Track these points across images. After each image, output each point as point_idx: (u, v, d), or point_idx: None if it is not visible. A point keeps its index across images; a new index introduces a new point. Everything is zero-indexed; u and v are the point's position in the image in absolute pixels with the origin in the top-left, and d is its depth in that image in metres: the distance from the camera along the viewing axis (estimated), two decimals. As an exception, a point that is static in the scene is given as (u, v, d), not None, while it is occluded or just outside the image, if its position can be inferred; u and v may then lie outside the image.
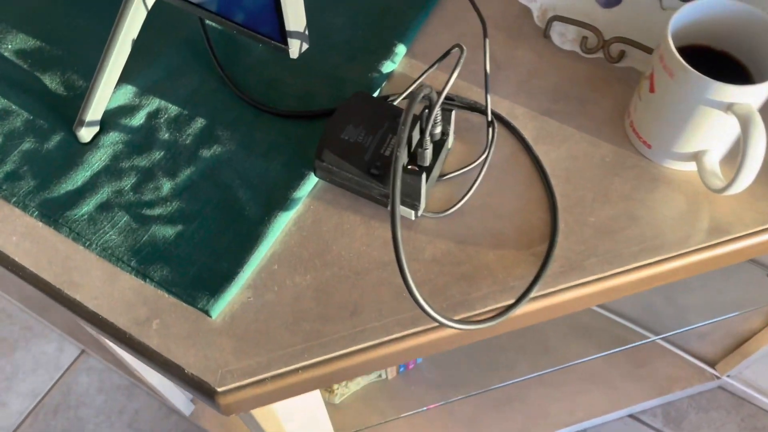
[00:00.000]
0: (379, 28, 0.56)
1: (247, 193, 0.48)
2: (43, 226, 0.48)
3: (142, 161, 0.50)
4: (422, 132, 0.45)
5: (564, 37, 0.55)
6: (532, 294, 0.45)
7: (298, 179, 0.49)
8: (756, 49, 0.46)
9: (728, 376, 1.18)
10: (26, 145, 0.51)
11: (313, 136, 0.51)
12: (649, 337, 1.11)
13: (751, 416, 1.22)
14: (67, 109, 0.53)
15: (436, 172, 0.48)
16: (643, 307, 1.16)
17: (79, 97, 0.53)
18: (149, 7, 0.50)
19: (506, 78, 0.54)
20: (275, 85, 0.54)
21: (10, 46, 0.56)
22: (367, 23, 0.57)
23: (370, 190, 0.47)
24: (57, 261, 0.47)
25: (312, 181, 0.49)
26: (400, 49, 0.55)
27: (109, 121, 0.52)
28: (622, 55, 0.54)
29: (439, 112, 0.46)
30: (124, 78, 0.53)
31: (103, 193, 0.49)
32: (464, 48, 0.45)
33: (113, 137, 0.51)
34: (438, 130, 0.47)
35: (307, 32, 0.44)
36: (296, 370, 0.43)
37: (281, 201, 0.48)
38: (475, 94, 0.54)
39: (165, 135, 0.51)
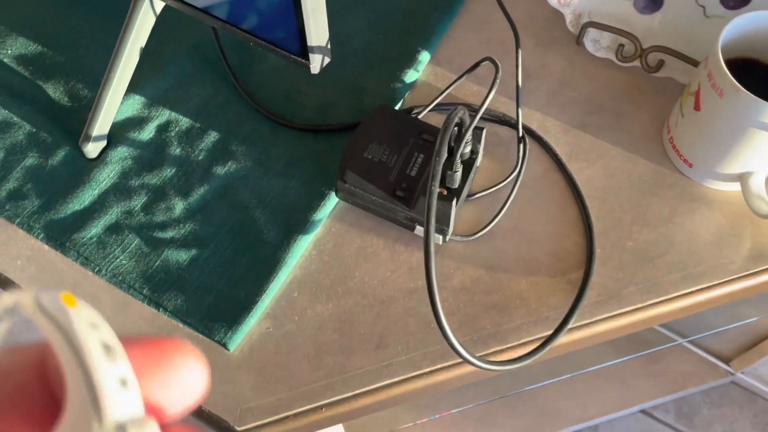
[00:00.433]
0: (401, 33, 0.53)
1: (265, 215, 0.46)
2: (49, 249, 0.45)
3: (153, 179, 0.47)
4: (452, 153, 0.42)
5: (598, 44, 0.52)
6: (569, 326, 0.42)
7: (318, 199, 0.46)
8: (810, 64, 0.43)
9: (743, 372, 1.17)
10: (30, 161, 0.48)
11: (333, 152, 0.48)
12: (666, 339, 1.09)
13: (765, 412, 1.21)
14: (72, 121, 0.50)
15: (464, 192, 0.45)
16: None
17: (85, 108, 0.50)
18: (158, 12, 0.47)
19: (536, 88, 0.51)
20: (291, 95, 0.51)
21: (9, 51, 0.53)
22: (389, 28, 0.54)
23: (395, 214, 0.44)
24: (64, 288, 0.44)
25: (333, 201, 0.46)
26: (424, 56, 0.52)
27: (117, 134, 0.49)
28: (660, 64, 0.50)
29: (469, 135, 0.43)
30: (132, 87, 0.50)
31: (112, 214, 0.46)
32: (499, 65, 0.42)
33: (121, 152, 0.48)
34: (468, 149, 0.44)
35: (329, 46, 0.41)
36: (319, 408, 0.41)
37: (301, 223, 0.45)
38: (504, 106, 0.51)
39: (176, 150, 0.48)
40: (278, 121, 0.49)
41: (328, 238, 0.46)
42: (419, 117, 0.48)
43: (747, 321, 1.02)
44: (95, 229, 0.45)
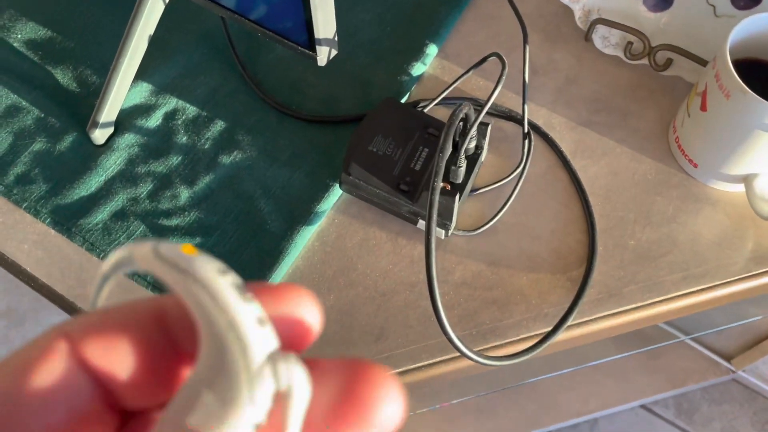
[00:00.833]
0: (409, 26, 0.53)
1: (269, 205, 0.46)
2: (56, 234, 0.46)
3: (159, 167, 0.48)
4: (456, 149, 0.43)
5: (607, 40, 0.52)
6: (569, 323, 0.42)
7: (323, 191, 0.46)
8: (818, 67, 0.43)
9: (744, 371, 1.17)
10: (38, 146, 0.49)
11: (338, 144, 0.48)
12: (669, 335, 1.09)
13: (764, 410, 1.21)
14: (80, 107, 0.50)
15: (468, 187, 0.45)
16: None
17: (93, 94, 0.51)
18: (167, 1, 0.47)
19: (543, 84, 0.51)
20: (298, 86, 0.51)
21: (19, 36, 0.53)
22: (397, 20, 0.54)
23: (398, 207, 0.45)
24: (70, 272, 0.45)
25: (336, 193, 0.47)
26: (431, 50, 0.52)
27: (124, 121, 0.49)
28: (668, 63, 0.50)
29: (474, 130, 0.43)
30: (140, 75, 0.50)
31: (118, 201, 0.46)
32: (506, 60, 0.42)
33: (128, 139, 0.49)
34: (473, 144, 0.44)
35: (336, 38, 0.41)
36: (319, 398, 0.41)
37: (304, 214, 0.46)
38: (510, 101, 0.51)
39: (183, 138, 0.49)
40: (285, 112, 0.50)
41: (331, 229, 0.46)
42: (425, 111, 0.48)
43: (750, 320, 1.02)
44: (101, 215, 0.46)
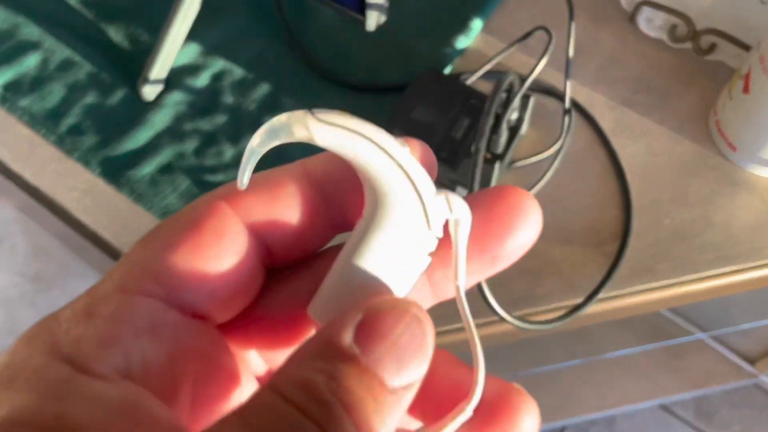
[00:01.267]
0: (456, 0, 0.54)
1: (310, 166, 0.47)
2: (104, 185, 0.47)
3: (206, 125, 0.49)
4: (498, 118, 0.43)
5: (651, 23, 0.52)
6: (600, 295, 0.43)
7: (363, 156, 0.47)
8: None
9: (767, 375, 1.16)
10: (89, 99, 0.50)
11: (379, 111, 0.49)
12: (691, 333, 1.08)
13: (786, 417, 1.20)
14: (130, 64, 0.52)
15: (507, 158, 0.46)
16: (687, 300, 1.14)
17: (143, 52, 0.52)
18: (221, -36, 0.48)
19: (585, 63, 0.52)
20: (342, 53, 0.52)
21: (76, -6, 0.55)
22: (443, -6, 0.54)
23: (438, 174, 0.45)
24: (117, 221, 0.46)
25: (377, 158, 0.48)
26: (476, 24, 0.52)
27: (173, 80, 0.51)
28: (712, 48, 0.50)
29: (517, 100, 0.44)
30: (190, 36, 0.52)
31: (165, 155, 0.48)
32: (551, 33, 0.43)
33: (177, 97, 0.50)
34: (514, 116, 0.45)
35: (387, 4, 0.42)
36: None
37: (345, 177, 0.47)
38: (552, 77, 0.51)
39: (229, 99, 0.50)
40: (329, 78, 0.51)
41: (369, 193, 0.47)
42: (467, 83, 0.49)
43: (776, 320, 1.01)
44: (149, 168, 0.47)
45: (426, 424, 0.18)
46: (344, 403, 0.14)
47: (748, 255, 0.45)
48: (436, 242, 0.18)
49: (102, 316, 0.16)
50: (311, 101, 0.50)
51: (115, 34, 0.53)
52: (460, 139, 0.45)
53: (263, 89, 0.51)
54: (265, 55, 0.52)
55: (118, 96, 0.50)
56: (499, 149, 0.45)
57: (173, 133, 0.49)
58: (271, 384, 0.15)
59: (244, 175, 0.17)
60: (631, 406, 1.15)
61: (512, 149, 0.46)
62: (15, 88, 0.50)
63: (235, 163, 0.47)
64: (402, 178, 0.17)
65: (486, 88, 0.50)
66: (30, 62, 0.51)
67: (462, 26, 0.52)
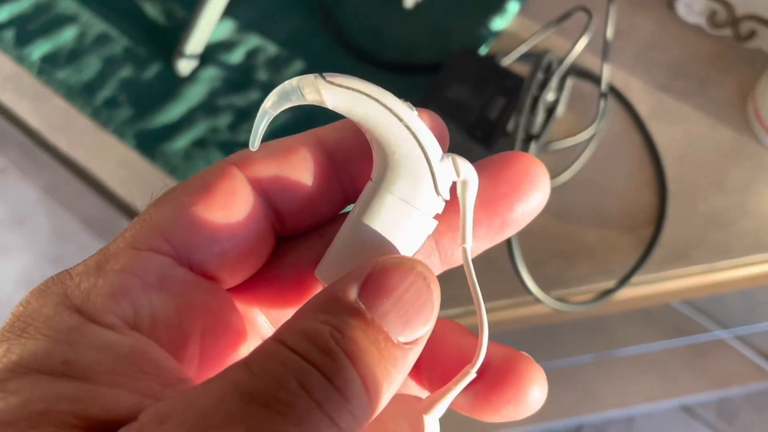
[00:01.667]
0: (492, -17, 0.53)
1: (343, 144, 0.47)
2: (138, 157, 0.48)
3: (240, 101, 0.49)
4: (535, 99, 0.43)
5: (690, 8, 0.51)
6: (634, 279, 0.43)
7: (396, 134, 0.47)
8: None
9: (791, 378, 1.14)
10: (125, 73, 0.50)
11: (413, 91, 0.49)
12: (714, 331, 1.07)
13: (808, 421, 1.18)
14: (166, 39, 0.52)
15: (542, 139, 0.46)
16: (713, 296, 1.12)
17: (179, 28, 0.52)
18: (259, -60, 0.48)
19: (623, 47, 0.51)
20: (377, 33, 0.52)
21: (113, -30, 0.55)
22: (479, -24, 0.54)
23: (472, 154, 0.45)
24: (151, 193, 0.46)
25: (410, 137, 0.47)
26: (513, 6, 0.52)
27: (208, 56, 0.51)
28: (752, 34, 0.50)
29: (556, 80, 0.43)
30: (225, 12, 0.52)
31: (199, 129, 0.48)
32: (591, 13, 0.42)
33: (211, 73, 0.50)
34: (551, 97, 0.45)
35: (425, -19, 0.42)
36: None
37: (377, 155, 0.46)
38: (588, 60, 0.50)
39: (263, 76, 0.50)
40: (362, 57, 0.51)
41: (402, 172, 0.47)
42: (503, 65, 0.49)
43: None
44: (183, 141, 0.47)
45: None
46: (349, 354, 0.14)
47: (785, 244, 0.44)
48: (443, 204, 0.17)
49: (112, 270, 0.16)
50: (345, 80, 0.50)
51: (152, 9, 0.53)
52: (494, 119, 0.45)
53: (297, 67, 0.51)
54: (300, 33, 0.52)
55: (153, 70, 0.50)
56: (535, 130, 0.44)
57: (207, 107, 0.49)
58: (276, 335, 0.15)
59: (256, 137, 0.17)
60: (650, 404, 1.14)
61: (548, 130, 0.46)
62: (52, 60, 0.51)
63: (268, 139, 0.48)
64: (409, 139, 0.17)
65: (521, 69, 0.50)
66: (67, 35, 0.52)
67: (498, 8, 0.52)
